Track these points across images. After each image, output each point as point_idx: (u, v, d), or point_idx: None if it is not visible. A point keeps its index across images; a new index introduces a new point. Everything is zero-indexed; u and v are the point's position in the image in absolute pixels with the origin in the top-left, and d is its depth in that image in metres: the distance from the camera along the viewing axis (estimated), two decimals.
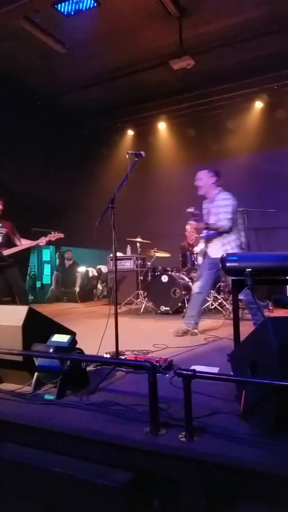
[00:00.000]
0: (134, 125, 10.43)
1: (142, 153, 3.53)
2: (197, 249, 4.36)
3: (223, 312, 5.76)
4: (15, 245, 5.06)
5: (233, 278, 2.55)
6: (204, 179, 4.28)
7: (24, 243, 5.14)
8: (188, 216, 4.30)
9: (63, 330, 2.64)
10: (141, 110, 9.82)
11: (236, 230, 4.13)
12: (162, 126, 10.09)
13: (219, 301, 5.97)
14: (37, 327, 2.51)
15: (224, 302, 5.93)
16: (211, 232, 4.12)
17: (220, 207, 4.09)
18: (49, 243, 5.15)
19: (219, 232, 4.06)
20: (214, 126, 9.42)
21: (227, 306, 5.83)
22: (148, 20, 6.56)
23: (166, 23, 6.58)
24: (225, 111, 9.26)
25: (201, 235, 4.32)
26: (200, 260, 4.23)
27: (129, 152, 3.51)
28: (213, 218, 4.13)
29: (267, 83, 8.33)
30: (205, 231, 4.20)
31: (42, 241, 5.04)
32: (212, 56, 7.53)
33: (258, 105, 8.90)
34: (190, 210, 4.03)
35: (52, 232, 5.05)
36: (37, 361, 2.35)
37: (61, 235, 5.09)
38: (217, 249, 4.05)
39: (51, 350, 2.28)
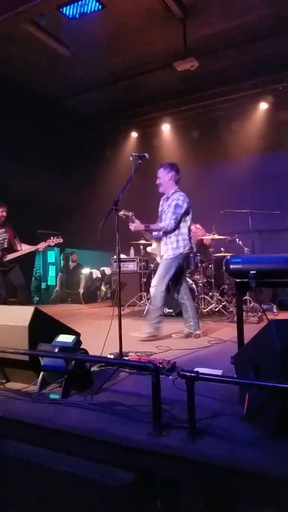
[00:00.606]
0: (138, 127, 10.45)
1: (146, 155, 3.55)
2: (149, 249, 4.36)
3: (227, 314, 5.77)
4: (16, 250, 5.17)
5: (237, 280, 2.56)
6: (162, 176, 4.25)
7: (24, 248, 5.22)
8: (193, 219, 4.31)
9: (68, 331, 2.67)
10: (145, 112, 9.85)
11: (180, 232, 4.08)
12: (166, 128, 10.11)
13: (223, 303, 5.97)
14: (42, 327, 2.54)
15: (228, 305, 5.93)
16: (160, 233, 4.14)
17: (171, 206, 4.08)
18: (48, 247, 5.24)
19: (164, 232, 4.09)
20: (218, 127, 9.42)
21: (231, 308, 5.84)
22: (152, 22, 6.60)
23: (170, 24, 6.60)
24: (230, 113, 9.26)
25: (152, 235, 4.29)
26: (158, 259, 4.25)
27: (133, 154, 3.54)
28: (164, 217, 4.16)
29: (271, 84, 8.33)
30: (155, 232, 4.19)
31: (42, 246, 5.10)
32: (217, 57, 7.54)
33: (263, 106, 8.89)
34: (123, 213, 3.90)
35: (52, 238, 5.09)
36: (43, 361, 2.37)
37: (60, 240, 5.16)
38: (163, 248, 4.11)
39: (56, 350, 2.31)
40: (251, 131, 9.13)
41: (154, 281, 4.17)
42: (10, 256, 5.06)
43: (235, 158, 9.28)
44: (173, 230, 4.03)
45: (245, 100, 8.86)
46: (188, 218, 4.14)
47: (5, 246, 5.15)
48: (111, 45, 7.20)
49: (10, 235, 5.22)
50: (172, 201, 4.08)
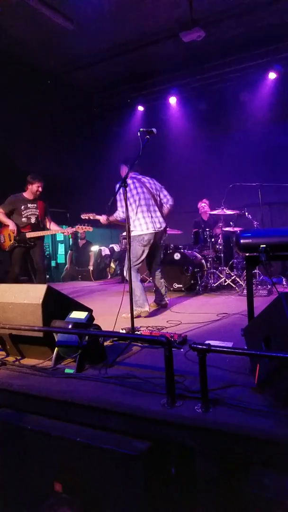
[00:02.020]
0: (144, 100, 10.24)
1: (154, 130, 3.49)
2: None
3: (237, 288, 5.79)
4: (42, 229, 5.09)
5: (247, 254, 2.56)
6: (120, 170, 4.33)
7: (52, 228, 5.18)
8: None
9: (80, 307, 2.71)
10: (151, 84, 9.63)
11: (135, 212, 4.10)
12: (173, 101, 9.89)
13: (232, 277, 5.99)
14: (55, 305, 2.58)
15: (238, 279, 5.95)
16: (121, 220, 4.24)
17: (117, 198, 4.12)
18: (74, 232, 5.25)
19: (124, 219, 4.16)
20: (227, 99, 9.19)
21: (240, 282, 5.85)
22: None
23: None
24: (238, 83, 9.00)
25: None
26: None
27: (141, 129, 3.48)
28: (165, 193, 4.42)
29: (281, 52, 8.05)
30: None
31: (69, 231, 5.10)
32: (223, 27, 7.28)
33: (272, 76, 8.63)
34: (83, 216, 4.32)
35: (80, 225, 5.06)
36: (57, 337, 2.43)
37: (90, 229, 5.12)
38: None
39: (70, 326, 2.35)
40: (260, 102, 8.89)
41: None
42: (31, 234, 4.96)
43: (244, 130, 9.10)
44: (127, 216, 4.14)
45: (253, 70, 8.59)
46: (135, 199, 4.20)
47: (32, 221, 5.02)
48: (115, 17, 6.98)
49: (40, 211, 5.10)
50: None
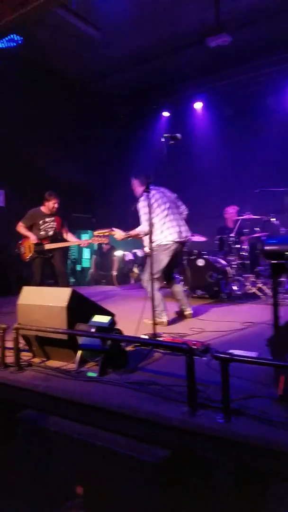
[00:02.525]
0: (169, 106, 10.27)
1: (178, 135, 3.49)
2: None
3: (262, 297, 5.69)
4: (60, 241, 5.38)
5: (273, 261, 2.51)
6: (133, 185, 4.38)
7: (70, 240, 5.46)
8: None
9: (103, 311, 2.74)
10: (177, 90, 9.65)
11: (160, 224, 4.02)
12: (198, 106, 9.88)
13: (258, 285, 5.88)
14: (79, 308, 2.63)
15: (263, 287, 5.84)
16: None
17: (140, 212, 4.04)
18: (82, 231, 5.46)
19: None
20: (253, 103, 9.08)
21: (266, 290, 5.74)
22: None
23: None
24: (265, 88, 8.89)
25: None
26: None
27: (165, 135, 3.49)
28: (180, 203, 4.40)
29: None
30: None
31: (85, 242, 5.43)
32: (249, 31, 7.23)
33: None
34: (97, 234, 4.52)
35: (96, 237, 5.16)
36: (80, 340, 2.46)
37: (106, 241, 5.40)
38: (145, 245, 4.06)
39: (93, 330, 2.38)
40: None
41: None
42: (49, 246, 5.25)
43: (271, 135, 8.95)
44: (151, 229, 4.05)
45: (280, 74, 8.48)
46: (160, 211, 4.18)
47: (50, 234, 5.33)
48: (141, 24, 7.04)
49: (57, 225, 5.39)
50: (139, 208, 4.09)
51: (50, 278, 5.63)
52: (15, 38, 6.87)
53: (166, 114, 10.39)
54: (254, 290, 5.85)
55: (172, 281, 4.34)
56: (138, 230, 4.05)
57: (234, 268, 6.03)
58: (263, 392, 2.04)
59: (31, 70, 7.77)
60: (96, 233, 4.57)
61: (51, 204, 5.29)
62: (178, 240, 4.04)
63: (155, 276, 3.93)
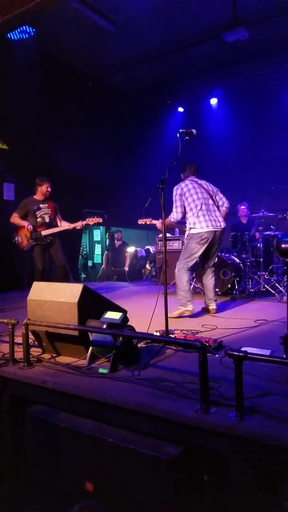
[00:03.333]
0: (184, 101, 10.20)
1: (193, 131, 3.45)
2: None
3: (276, 294, 5.61)
4: (56, 226, 5.36)
5: None
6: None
7: (63, 225, 5.42)
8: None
9: (115, 308, 2.73)
10: (192, 86, 9.57)
11: (193, 214, 4.16)
12: (214, 102, 9.78)
13: (272, 283, 5.81)
14: (91, 304, 2.61)
15: (277, 285, 5.76)
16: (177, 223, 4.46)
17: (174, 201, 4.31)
18: (87, 226, 5.49)
19: (180, 222, 4.35)
20: (269, 99, 8.95)
21: (280, 288, 5.67)
22: None
23: None
24: (282, 84, 8.74)
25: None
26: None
27: (180, 130, 3.46)
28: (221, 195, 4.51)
29: None
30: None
31: (79, 224, 5.31)
32: (267, 26, 7.10)
33: None
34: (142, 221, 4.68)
35: (90, 217, 5.32)
36: (92, 336, 2.45)
37: (99, 220, 5.35)
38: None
39: (104, 326, 2.37)
40: None
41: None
42: (46, 232, 5.24)
43: (286, 131, 8.81)
44: (183, 217, 4.33)
45: None
46: (191, 201, 4.31)
47: (46, 220, 5.33)
48: (157, 18, 6.97)
49: (51, 210, 5.40)
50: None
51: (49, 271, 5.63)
52: (27, 30, 6.90)
53: (180, 109, 10.32)
54: (267, 287, 5.78)
55: (206, 272, 4.43)
56: (169, 217, 4.25)
57: (248, 266, 5.97)
58: (277, 390, 2.01)
59: (45, 63, 7.75)
60: (140, 221, 4.71)
61: (44, 189, 5.33)
62: (212, 229, 4.13)
63: (188, 264, 4.17)
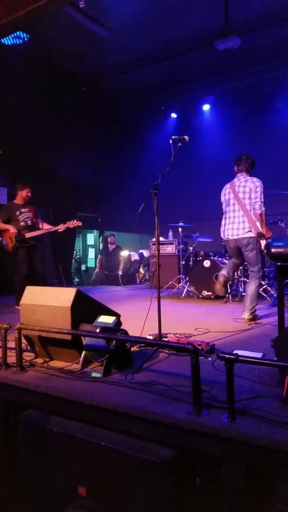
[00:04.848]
0: (177, 107, 10.29)
1: (186, 137, 3.49)
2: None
3: (268, 298, 5.66)
4: (38, 229, 5.47)
5: (279, 264, 2.51)
6: None
7: (45, 227, 5.52)
8: None
9: (108, 312, 2.74)
10: (185, 92, 9.66)
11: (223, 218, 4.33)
12: (206, 108, 9.88)
13: (264, 287, 5.86)
14: (84, 308, 2.62)
15: (269, 288, 5.82)
16: None
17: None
18: (68, 229, 5.55)
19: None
20: (261, 106, 9.06)
21: (272, 292, 5.72)
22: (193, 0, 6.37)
23: (210, 1, 6.34)
24: (274, 91, 8.86)
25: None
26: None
27: (173, 137, 3.49)
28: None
29: None
30: None
31: (61, 227, 5.44)
32: (260, 34, 7.21)
33: None
34: None
35: (72, 220, 5.45)
36: (85, 340, 2.46)
37: (79, 223, 5.46)
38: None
39: (97, 330, 2.38)
40: None
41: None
42: (29, 234, 5.36)
43: (279, 138, 8.92)
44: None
45: None
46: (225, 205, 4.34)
47: (29, 223, 5.47)
48: (150, 25, 7.05)
49: (32, 214, 5.54)
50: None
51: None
52: (21, 36, 6.94)
53: (174, 115, 10.41)
54: (259, 291, 5.82)
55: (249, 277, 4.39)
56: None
57: (240, 269, 6.01)
58: (268, 392, 2.03)
59: (39, 68, 7.79)
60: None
61: (24, 193, 5.49)
62: (225, 238, 4.25)
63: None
